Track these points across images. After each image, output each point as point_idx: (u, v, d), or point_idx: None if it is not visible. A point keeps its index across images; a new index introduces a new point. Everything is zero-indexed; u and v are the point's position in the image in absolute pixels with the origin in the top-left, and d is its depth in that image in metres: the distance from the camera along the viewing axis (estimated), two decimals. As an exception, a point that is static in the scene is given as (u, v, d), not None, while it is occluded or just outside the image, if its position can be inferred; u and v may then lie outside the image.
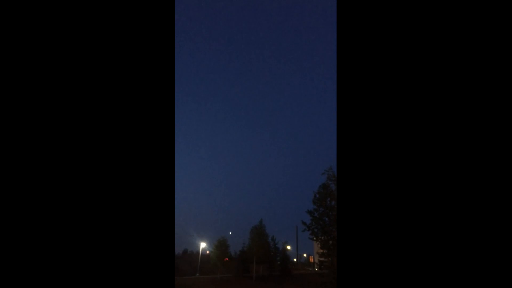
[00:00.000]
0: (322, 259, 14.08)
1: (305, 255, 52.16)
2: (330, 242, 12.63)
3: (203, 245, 32.58)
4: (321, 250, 13.44)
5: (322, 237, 13.14)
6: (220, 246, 26.47)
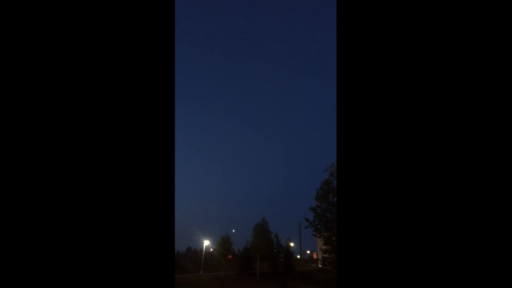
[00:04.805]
0: (325, 255, 14.13)
1: (308, 251, 52.30)
2: (333, 238, 12.64)
3: (206, 242, 32.72)
4: (324, 247, 13.47)
5: (325, 234, 13.15)
6: (224, 244, 26.56)
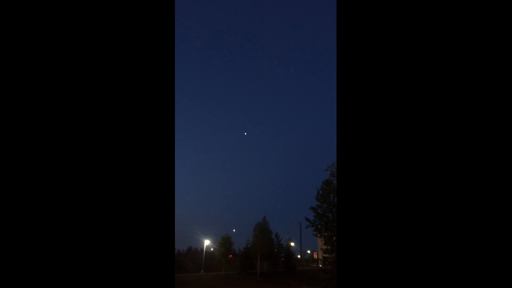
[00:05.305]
0: (326, 255, 14.12)
1: (309, 251, 52.33)
2: (334, 238, 12.62)
3: (207, 242, 32.76)
4: (325, 246, 13.46)
5: (326, 233, 13.14)
6: (224, 243, 26.60)
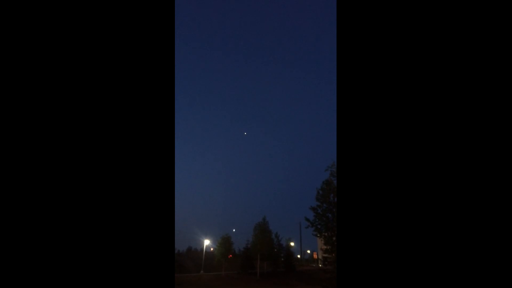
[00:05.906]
0: (326, 255, 14.12)
1: (309, 251, 52.36)
2: (334, 238, 12.62)
3: (207, 242, 32.78)
4: (325, 246, 13.46)
5: (326, 233, 13.15)
6: (224, 243, 26.62)
